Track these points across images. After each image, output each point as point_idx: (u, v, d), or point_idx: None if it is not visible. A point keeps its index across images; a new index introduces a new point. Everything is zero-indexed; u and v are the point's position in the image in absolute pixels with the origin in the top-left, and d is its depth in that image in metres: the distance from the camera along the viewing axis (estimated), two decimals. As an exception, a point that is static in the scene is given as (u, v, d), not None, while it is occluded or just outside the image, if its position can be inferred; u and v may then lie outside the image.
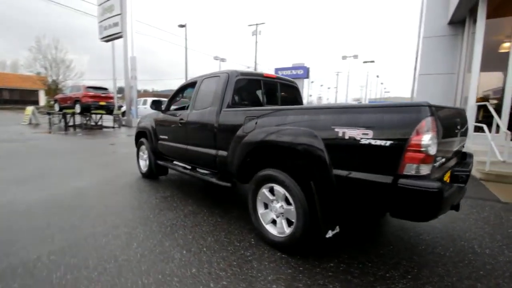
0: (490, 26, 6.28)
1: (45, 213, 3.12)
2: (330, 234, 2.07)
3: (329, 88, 58.59)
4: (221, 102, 3.05)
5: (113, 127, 14.62)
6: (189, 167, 3.70)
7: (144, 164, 4.80)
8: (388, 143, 1.66)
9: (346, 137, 1.83)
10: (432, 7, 7.49)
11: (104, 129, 14.03)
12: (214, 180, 3.09)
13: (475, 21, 6.46)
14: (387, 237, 2.71)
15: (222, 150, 2.97)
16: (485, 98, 6.36)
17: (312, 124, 2.05)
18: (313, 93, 57.23)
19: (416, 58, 11.09)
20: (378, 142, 1.69)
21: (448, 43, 7.49)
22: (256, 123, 2.53)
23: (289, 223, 2.31)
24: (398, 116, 1.66)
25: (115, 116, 15.19)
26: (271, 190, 2.42)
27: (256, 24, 30.22)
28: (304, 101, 4.99)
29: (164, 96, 32.16)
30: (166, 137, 4.10)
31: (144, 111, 17.64)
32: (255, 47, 30.88)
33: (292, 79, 3.94)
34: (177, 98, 4.32)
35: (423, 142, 1.57)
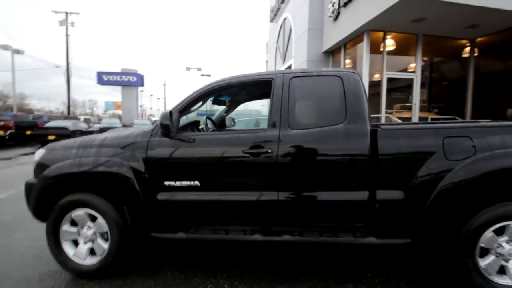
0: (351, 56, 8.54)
1: None
2: None
3: (158, 98, 56.23)
4: (368, 117, 2.06)
5: None
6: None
7: (83, 250, 2.26)
8: None
9: None
10: (312, 38, 9.24)
11: None
12: (373, 239, 1.97)
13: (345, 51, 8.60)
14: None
15: (388, 190, 1.97)
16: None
17: None
18: (144, 102, 52.81)
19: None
20: None
21: (322, 66, 9.40)
22: (473, 145, 1.88)
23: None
24: None
25: None
26: (499, 230, 1.89)
27: (66, 13, 23.33)
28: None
29: None
30: (195, 183, 2.14)
31: None
32: (66, 41, 23.70)
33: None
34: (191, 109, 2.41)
35: None
